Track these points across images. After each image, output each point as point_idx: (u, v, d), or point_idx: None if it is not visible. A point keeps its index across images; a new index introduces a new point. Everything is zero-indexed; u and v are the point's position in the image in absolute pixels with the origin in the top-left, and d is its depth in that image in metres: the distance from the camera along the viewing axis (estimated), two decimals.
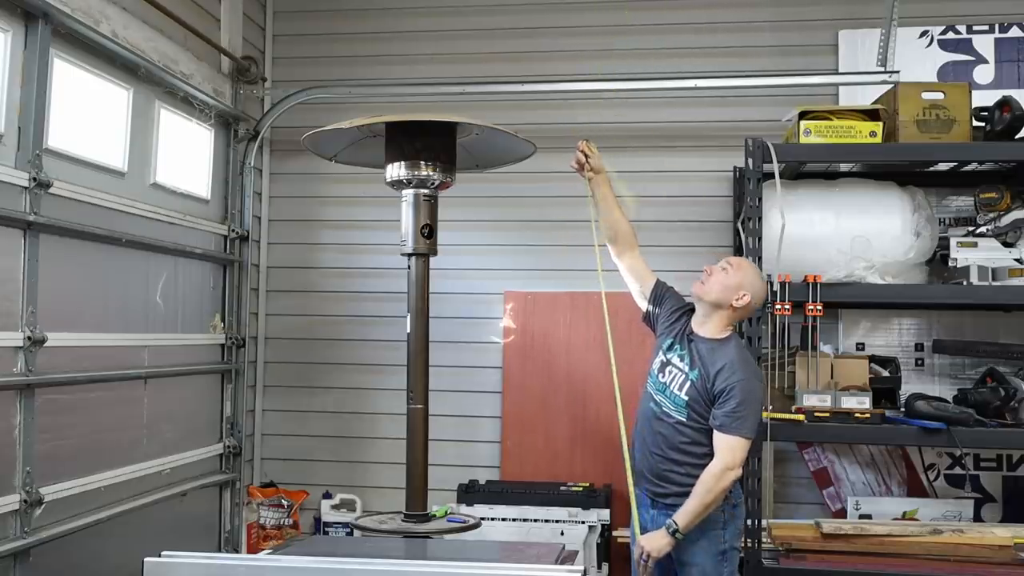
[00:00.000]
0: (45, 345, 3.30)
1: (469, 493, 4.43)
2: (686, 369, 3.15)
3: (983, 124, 4.02)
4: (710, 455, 3.05)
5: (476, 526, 3.63)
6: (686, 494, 3.05)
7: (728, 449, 3.02)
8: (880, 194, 4.18)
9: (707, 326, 3.19)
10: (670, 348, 3.23)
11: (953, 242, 4.00)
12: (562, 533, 4.19)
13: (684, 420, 3.11)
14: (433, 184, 3.55)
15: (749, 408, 3.04)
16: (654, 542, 3.07)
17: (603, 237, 3.47)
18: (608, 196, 3.45)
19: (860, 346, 4.54)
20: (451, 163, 3.60)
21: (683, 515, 3.02)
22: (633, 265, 3.45)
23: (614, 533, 4.38)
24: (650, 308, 3.38)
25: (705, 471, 3.03)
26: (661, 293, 3.38)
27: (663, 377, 3.20)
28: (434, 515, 3.64)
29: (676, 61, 4.81)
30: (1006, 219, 4.02)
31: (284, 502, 4.84)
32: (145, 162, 4.05)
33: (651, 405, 3.21)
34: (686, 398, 3.10)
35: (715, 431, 3.05)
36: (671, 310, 3.32)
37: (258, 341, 5.07)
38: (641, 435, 3.24)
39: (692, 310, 3.28)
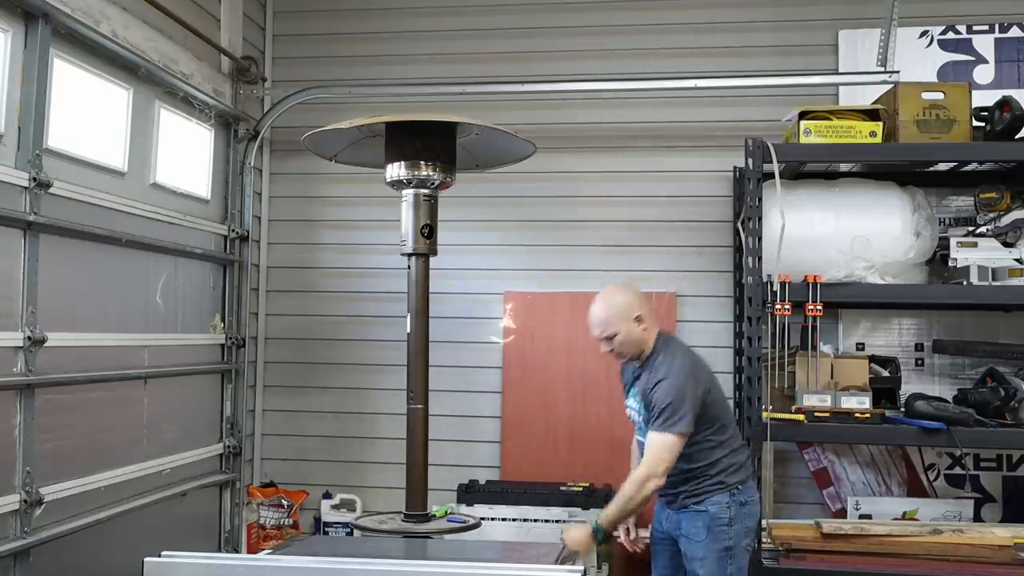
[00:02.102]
0: (45, 345, 3.30)
1: (469, 493, 4.42)
2: (637, 405, 3.24)
3: (983, 124, 4.02)
4: (700, 460, 3.12)
5: (476, 526, 3.64)
6: (694, 493, 3.11)
7: (653, 449, 3.03)
8: (880, 194, 4.18)
9: (639, 357, 3.24)
10: (628, 394, 3.34)
11: (953, 242, 4.00)
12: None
13: None
14: (433, 184, 3.56)
15: (674, 404, 3.01)
16: (574, 532, 3.10)
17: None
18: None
19: (860, 346, 4.54)
20: (451, 163, 3.60)
21: (605, 516, 3.09)
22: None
23: (614, 533, 4.37)
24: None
25: (630, 477, 3.08)
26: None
27: (632, 417, 3.32)
28: (434, 515, 3.64)
29: (676, 61, 4.81)
30: (1006, 219, 4.02)
31: (284, 502, 4.84)
32: (145, 162, 4.05)
33: (639, 441, 3.30)
34: (646, 424, 3.15)
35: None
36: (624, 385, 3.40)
37: (258, 341, 5.07)
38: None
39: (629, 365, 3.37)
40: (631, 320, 3.16)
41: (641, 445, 3.24)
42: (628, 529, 3.36)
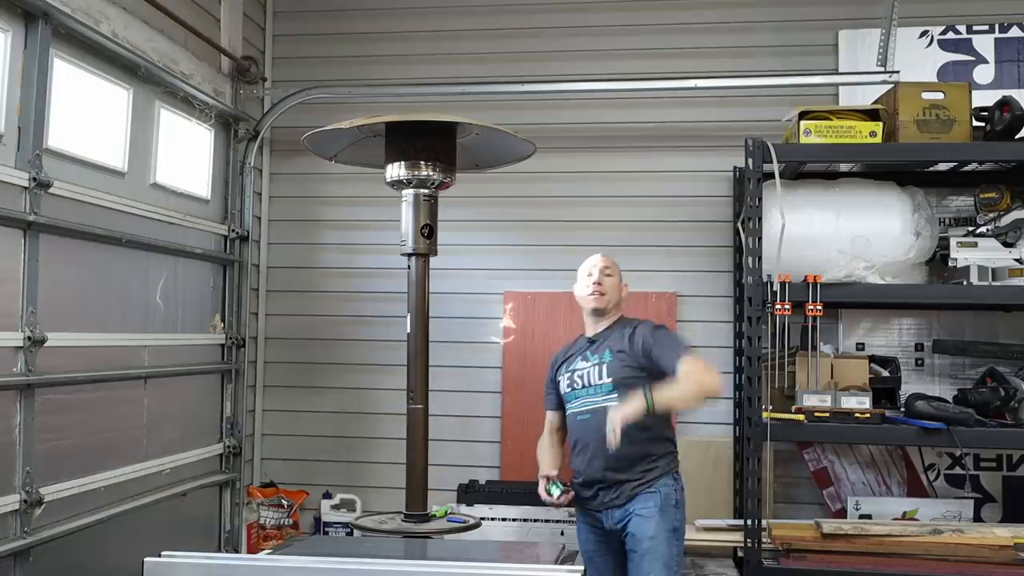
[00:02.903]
0: (45, 345, 3.29)
1: (469, 493, 4.42)
2: (596, 360, 3.24)
3: (983, 124, 4.02)
4: (654, 431, 3.14)
5: (476, 526, 3.64)
6: (645, 480, 3.12)
7: (698, 361, 3.04)
8: (880, 194, 4.18)
9: (603, 321, 3.32)
10: (572, 363, 3.33)
11: (953, 242, 4.00)
12: (562, 533, 4.18)
13: (617, 400, 3.11)
14: (433, 184, 3.56)
15: (681, 339, 3.34)
16: (625, 409, 2.91)
17: None
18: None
19: (860, 346, 4.54)
20: (451, 163, 3.61)
21: (662, 393, 2.94)
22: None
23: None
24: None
25: (690, 370, 2.98)
26: (552, 383, 3.46)
27: (576, 387, 3.28)
28: (434, 515, 3.64)
29: (676, 61, 4.81)
30: (1006, 219, 4.02)
31: (284, 502, 4.84)
32: (145, 162, 4.05)
33: (581, 419, 3.25)
34: (609, 379, 3.17)
35: (678, 367, 3.00)
36: (555, 368, 3.43)
37: (258, 341, 5.07)
38: (589, 451, 3.21)
39: (574, 342, 3.42)
40: (621, 281, 3.38)
41: (561, 432, 3.39)
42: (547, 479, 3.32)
